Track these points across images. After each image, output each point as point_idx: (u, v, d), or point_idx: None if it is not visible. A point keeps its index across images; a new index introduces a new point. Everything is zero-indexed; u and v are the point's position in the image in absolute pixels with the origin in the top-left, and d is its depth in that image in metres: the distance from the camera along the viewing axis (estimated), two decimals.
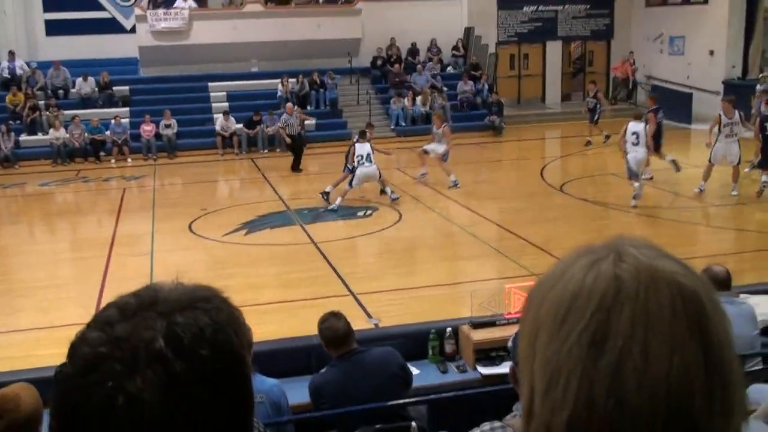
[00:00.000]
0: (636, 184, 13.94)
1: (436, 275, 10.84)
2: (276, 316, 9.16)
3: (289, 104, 20.67)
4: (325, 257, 11.68)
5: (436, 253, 12.16)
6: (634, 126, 14.30)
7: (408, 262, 11.91)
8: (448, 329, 6.48)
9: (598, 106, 21.28)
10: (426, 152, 16.43)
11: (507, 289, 6.66)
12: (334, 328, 5.05)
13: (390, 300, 9.86)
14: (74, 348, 1.04)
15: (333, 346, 5.11)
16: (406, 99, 23.90)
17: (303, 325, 7.53)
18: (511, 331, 5.57)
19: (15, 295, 10.95)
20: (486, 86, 25.09)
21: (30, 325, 9.46)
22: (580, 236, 11.94)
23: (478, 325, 6.37)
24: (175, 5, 24.75)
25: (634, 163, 13.96)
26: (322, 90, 24.25)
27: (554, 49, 28.08)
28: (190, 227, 13.72)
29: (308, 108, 23.53)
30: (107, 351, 0.99)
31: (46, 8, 25.61)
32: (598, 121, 21.10)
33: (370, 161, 14.54)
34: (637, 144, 14.06)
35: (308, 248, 12.26)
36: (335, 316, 5.15)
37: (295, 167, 18.74)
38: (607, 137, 20.34)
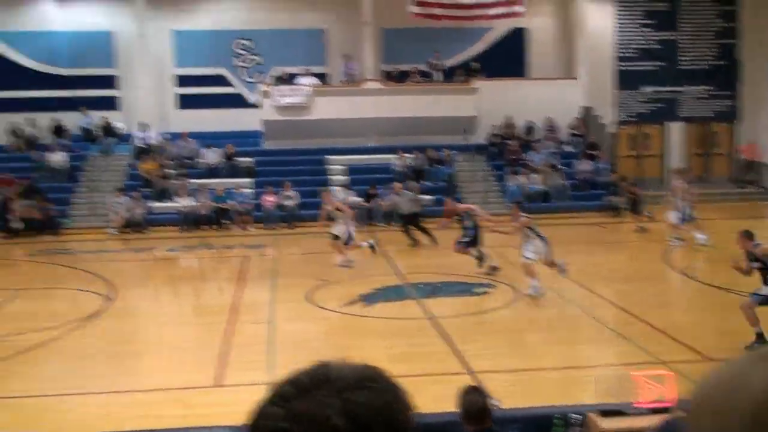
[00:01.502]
0: None
1: (555, 357, 10.56)
2: None
3: (396, 183, 21.03)
4: (441, 333, 11.60)
5: (555, 335, 11.87)
6: None
7: (525, 342, 11.68)
8: (575, 415, 6.28)
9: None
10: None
11: (635, 377, 6.42)
12: (475, 402, 4.97)
13: (507, 381, 9.64)
14: (256, 422, 1.07)
15: (472, 421, 5.01)
16: (522, 176, 23.84)
17: (424, 402, 7.45)
18: (643, 422, 5.35)
19: (140, 355, 11.33)
20: (604, 166, 24.77)
21: (152, 386, 9.72)
22: (713, 325, 11.45)
23: (607, 413, 6.14)
24: (298, 82, 25.73)
25: None
26: (438, 165, 24.51)
27: (675, 130, 27.52)
28: (308, 297, 13.93)
29: (424, 183, 23.77)
30: (288, 426, 1.02)
31: (179, 84, 27.11)
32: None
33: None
34: None
35: (424, 323, 12.21)
36: (476, 390, 5.07)
37: (413, 242, 18.86)
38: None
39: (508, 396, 8.83)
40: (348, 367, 1.16)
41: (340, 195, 22.51)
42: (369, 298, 13.75)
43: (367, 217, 22.18)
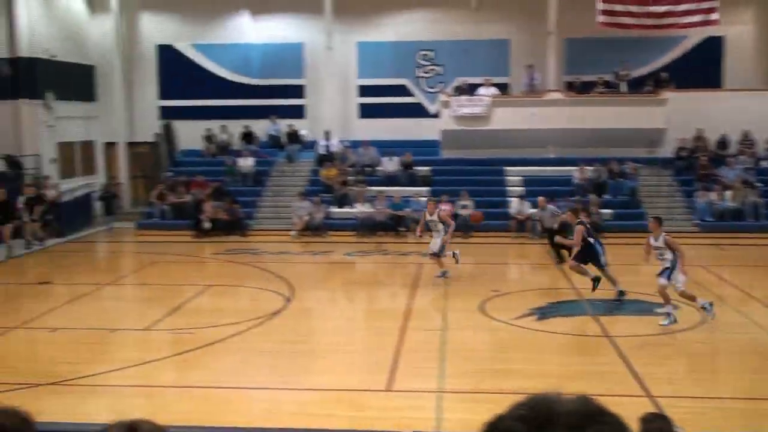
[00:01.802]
0: None
1: (743, 387, 9.81)
2: None
3: (540, 198, 20.43)
4: (619, 353, 11.08)
5: (744, 362, 11.02)
6: None
7: (710, 368, 10.93)
8: None
9: None
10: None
11: None
12: (659, 430, 4.66)
13: (689, 408, 9.04)
14: None
15: None
16: (713, 193, 22.47)
17: None
18: None
19: (314, 356, 11.60)
20: None
21: (324, 386, 9.91)
22: None
23: None
24: (477, 92, 25.64)
25: None
26: (620, 179, 23.58)
27: None
28: (481, 307, 13.77)
29: (605, 197, 22.97)
30: None
31: (362, 93, 27.77)
32: None
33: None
34: None
35: (601, 341, 11.72)
36: (661, 418, 4.75)
37: (558, 259, 18.08)
38: None
39: (691, 425, 8.26)
40: (569, 402, 1.14)
41: (516, 206, 22.19)
42: (543, 312, 13.39)
43: (542, 230, 21.67)
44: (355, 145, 26.29)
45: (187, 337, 12.07)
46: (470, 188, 23.02)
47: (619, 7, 23.65)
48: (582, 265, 14.12)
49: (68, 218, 23.64)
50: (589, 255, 13.99)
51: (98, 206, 26.40)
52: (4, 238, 19.48)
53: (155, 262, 19.26)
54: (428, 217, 16.04)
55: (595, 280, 13.97)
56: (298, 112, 27.75)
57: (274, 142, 27.21)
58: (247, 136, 27.17)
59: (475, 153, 25.40)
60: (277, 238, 22.28)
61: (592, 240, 14.02)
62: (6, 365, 10.92)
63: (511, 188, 23.95)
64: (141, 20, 28.19)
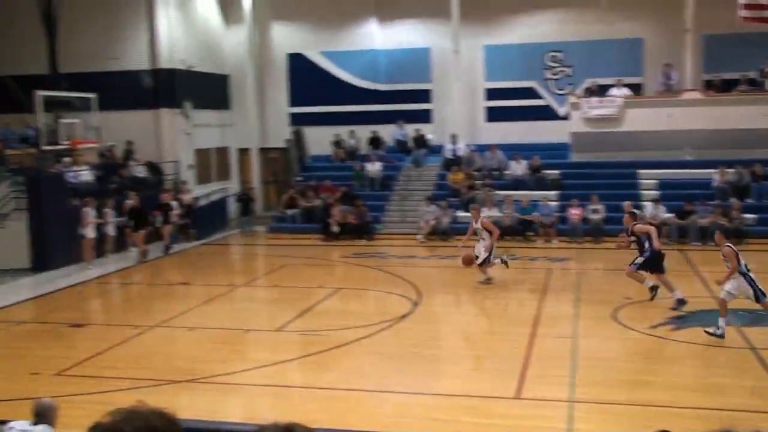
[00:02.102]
0: None
1: None
2: (701, 424, 8.32)
3: (627, 203, 19.62)
4: (765, 366, 10.43)
5: None
6: None
7: None
8: None
9: None
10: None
11: None
12: None
13: None
14: None
15: None
16: None
17: None
18: None
19: (442, 360, 11.54)
20: None
21: (451, 391, 9.82)
22: None
23: None
24: (609, 93, 24.90)
25: None
26: (765, 182, 22.32)
27: None
28: (613, 315, 13.32)
29: (748, 201, 21.80)
30: None
31: (489, 97, 27.51)
32: None
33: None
34: None
35: (744, 353, 11.08)
36: None
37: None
38: None
39: None
40: None
41: (650, 210, 21.39)
42: (680, 321, 12.80)
43: (677, 235, 20.84)
44: (482, 148, 26.08)
45: (317, 338, 12.26)
46: (601, 192, 22.37)
47: (763, 0, 22.39)
48: (641, 272, 13.93)
49: (204, 222, 24.58)
50: (654, 262, 13.79)
51: (236, 208, 27.32)
52: (137, 243, 20.36)
53: (286, 265, 19.72)
54: (474, 225, 16.35)
55: (653, 289, 13.86)
56: (424, 117, 27.80)
57: (401, 147, 27.37)
58: (375, 141, 27.44)
59: (606, 156, 24.65)
60: (403, 242, 22.38)
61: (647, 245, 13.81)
62: (145, 363, 11.42)
63: (645, 192, 23.10)
64: (272, 30, 29.00)
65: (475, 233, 16.44)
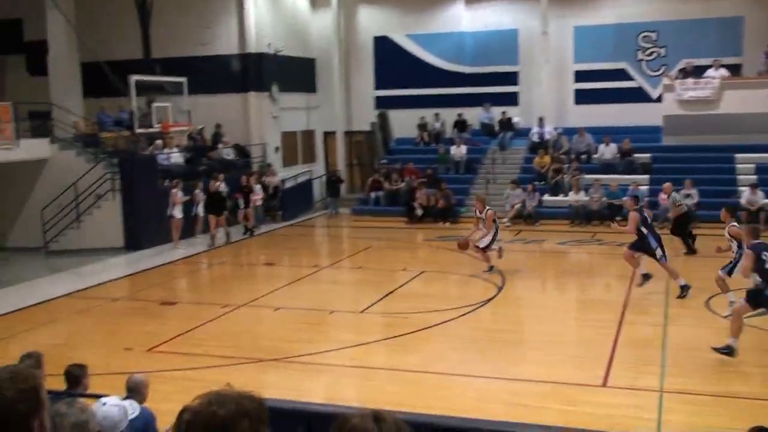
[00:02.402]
0: None
1: None
2: None
3: (666, 184, 19.58)
4: None
5: None
6: None
7: None
8: None
9: None
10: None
11: None
12: None
13: None
14: None
15: None
16: None
17: None
18: None
19: (527, 346, 11.40)
20: None
21: (536, 378, 9.69)
22: None
23: None
24: (705, 75, 24.02)
25: None
26: None
27: None
28: (708, 303, 12.89)
29: None
30: None
31: (578, 79, 26.93)
32: None
33: None
34: None
35: None
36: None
37: (689, 249, 17.46)
38: None
39: None
40: None
41: (747, 196, 20.57)
42: None
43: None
44: (570, 132, 25.58)
45: (401, 321, 12.29)
46: (695, 177, 21.62)
47: None
48: (635, 255, 13.65)
49: (290, 204, 24.94)
50: (642, 246, 13.54)
51: (321, 190, 27.61)
52: (219, 224, 20.38)
53: (370, 247, 19.84)
54: (478, 214, 16.36)
55: (684, 288, 13.26)
56: (511, 99, 27.42)
57: (487, 130, 27.11)
58: (460, 124, 27.25)
59: (701, 139, 23.82)
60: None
61: (645, 231, 13.43)
62: (233, 341, 11.67)
63: (741, 177, 22.26)
64: (359, 13, 29.05)
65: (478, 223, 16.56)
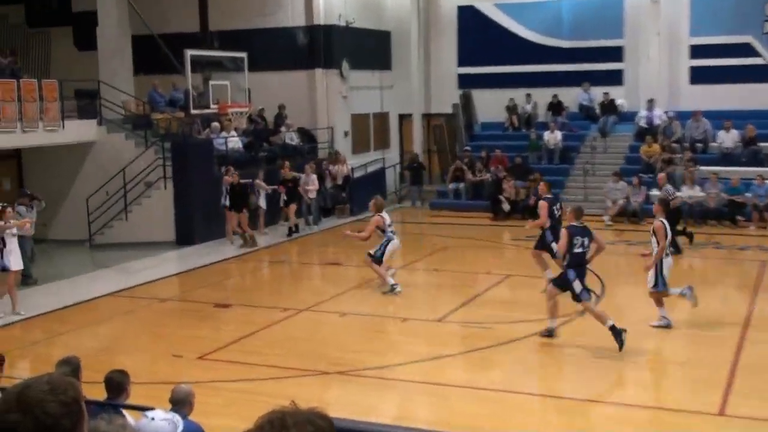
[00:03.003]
0: None
1: None
2: None
3: (661, 174, 19.17)
4: None
5: None
6: None
7: None
8: None
9: None
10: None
11: None
12: None
13: None
14: None
15: None
16: None
17: None
18: None
19: (629, 365, 11.11)
20: None
21: (641, 402, 9.48)
22: None
23: None
24: None
25: None
26: None
27: None
28: None
29: None
30: None
31: (694, 54, 26.23)
32: None
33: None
34: None
35: None
36: None
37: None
38: None
39: None
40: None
41: None
42: None
43: None
44: (684, 116, 24.95)
45: (482, 332, 12.17)
46: None
47: None
48: (541, 255, 14.14)
49: (359, 196, 24.96)
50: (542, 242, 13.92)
51: (403, 177, 27.66)
52: (243, 225, 19.96)
53: (449, 247, 19.72)
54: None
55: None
56: (615, 78, 26.88)
57: (586, 113, 26.69)
58: (555, 107, 26.88)
59: None
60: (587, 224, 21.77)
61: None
62: (293, 350, 11.74)
63: None
64: None
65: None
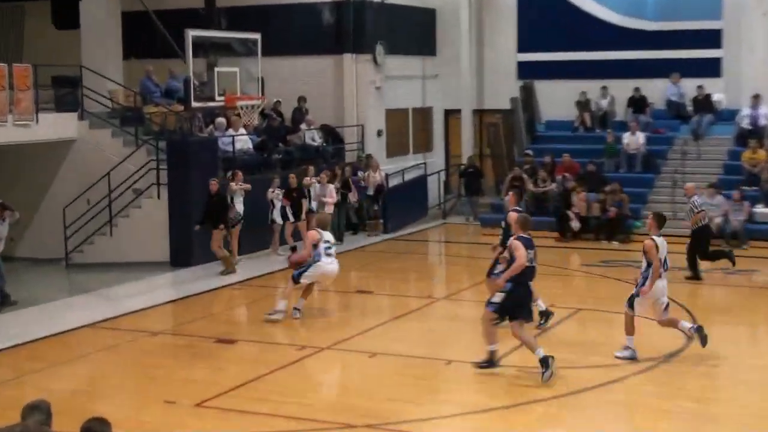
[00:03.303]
0: None
1: None
2: None
3: (689, 185, 19.47)
4: None
5: None
6: None
7: None
8: None
9: None
10: None
11: None
12: None
13: None
14: None
15: None
16: None
17: None
18: None
19: (730, 425, 10.94)
20: None
21: None
22: None
23: None
24: None
25: None
26: None
27: None
28: None
29: None
30: None
31: None
32: None
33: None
34: None
35: None
36: None
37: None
38: None
39: None
40: None
41: None
42: None
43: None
44: None
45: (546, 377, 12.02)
46: None
47: None
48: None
49: (395, 210, 24.91)
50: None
51: (449, 186, 27.71)
52: (213, 246, 19.88)
53: None
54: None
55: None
56: (711, 69, 26.77)
57: (676, 111, 26.63)
58: (637, 103, 26.77)
59: None
60: (674, 246, 21.53)
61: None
62: (311, 397, 11.69)
63: None
64: None
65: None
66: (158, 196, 20.94)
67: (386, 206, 24.67)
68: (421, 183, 27.21)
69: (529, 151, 26.42)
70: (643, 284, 12.74)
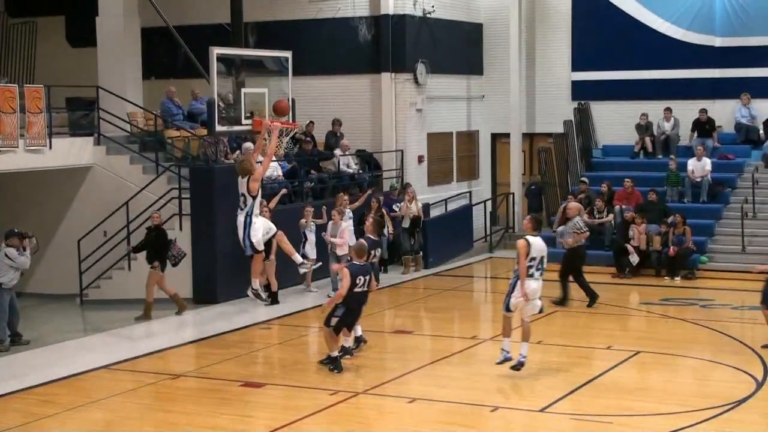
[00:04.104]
0: None
1: None
2: None
3: (573, 204, 20.40)
4: None
5: None
6: None
7: None
8: None
9: None
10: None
11: None
12: None
13: None
14: None
15: None
16: None
17: None
18: None
19: None
20: None
21: None
22: None
23: None
24: None
25: None
26: None
27: None
28: None
29: None
30: None
31: None
32: None
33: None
34: None
35: None
36: None
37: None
38: None
39: None
40: None
41: None
42: None
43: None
44: None
45: (601, 428, 12.06)
46: None
47: None
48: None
49: (437, 243, 24.94)
50: None
51: (496, 217, 27.88)
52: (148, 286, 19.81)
53: (555, 311, 19.58)
54: None
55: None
56: None
57: (746, 135, 26.58)
58: (703, 126, 26.72)
59: None
60: (744, 284, 21.52)
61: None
62: None
63: None
64: None
65: None
66: (180, 228, 21.07)
67: (426, 239, 24.66)
68: (465, 213, 27.27)
69: (585, 179, 26.42)
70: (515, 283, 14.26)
